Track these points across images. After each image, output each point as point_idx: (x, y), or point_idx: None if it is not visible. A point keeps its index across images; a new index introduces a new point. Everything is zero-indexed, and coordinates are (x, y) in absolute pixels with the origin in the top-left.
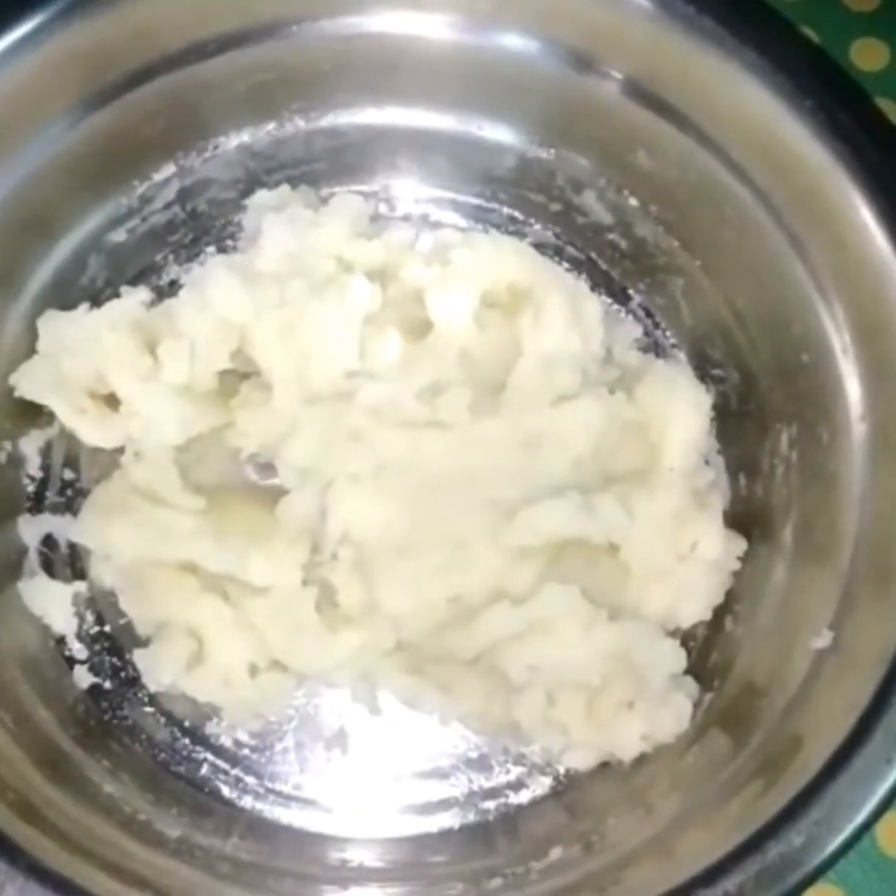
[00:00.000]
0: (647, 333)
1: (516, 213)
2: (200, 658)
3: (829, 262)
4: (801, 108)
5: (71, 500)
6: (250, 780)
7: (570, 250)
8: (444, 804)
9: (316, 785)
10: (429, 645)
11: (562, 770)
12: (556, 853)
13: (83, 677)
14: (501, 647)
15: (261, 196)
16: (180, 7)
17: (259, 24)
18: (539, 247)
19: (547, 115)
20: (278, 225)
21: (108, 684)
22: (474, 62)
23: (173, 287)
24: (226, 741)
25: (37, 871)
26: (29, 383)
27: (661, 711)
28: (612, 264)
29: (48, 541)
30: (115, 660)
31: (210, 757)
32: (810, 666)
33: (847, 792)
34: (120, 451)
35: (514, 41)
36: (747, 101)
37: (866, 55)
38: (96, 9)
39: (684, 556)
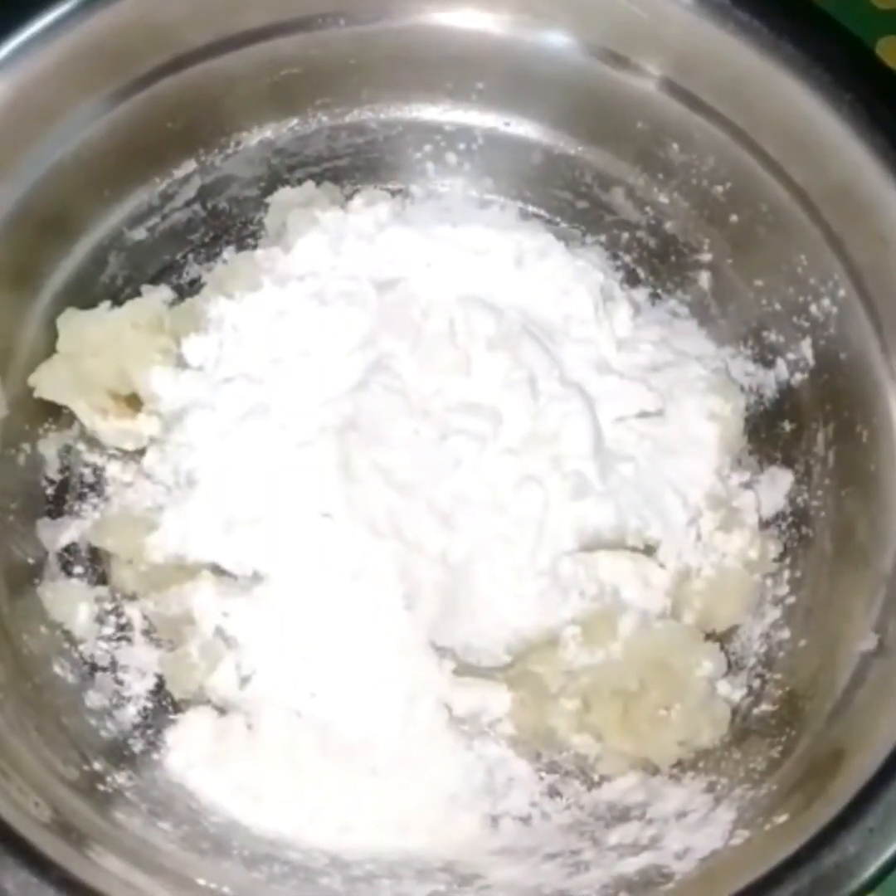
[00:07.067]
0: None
1: (542, 211)
2: None
3: (867, 258)
4: (839, 101)
5: (91, 502)
6: None
7: (597, 248)
8: None
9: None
10: None
11: (596, 777)
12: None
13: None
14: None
15: (284, 193)
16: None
17: (289, 18)
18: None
19: (577, 110)
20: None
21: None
22: (504, 58)
23: (194, 286)
24: None
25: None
26: (48, 384)
27: (700, 716)
28: (639, 263)
29: (68, 544)
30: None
31: None
32: (855, 670)
33: None
34: (141, 452)
35: (548, 38)
36: (784, 95)
37: (892, 52)
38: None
39: (720, 558)
